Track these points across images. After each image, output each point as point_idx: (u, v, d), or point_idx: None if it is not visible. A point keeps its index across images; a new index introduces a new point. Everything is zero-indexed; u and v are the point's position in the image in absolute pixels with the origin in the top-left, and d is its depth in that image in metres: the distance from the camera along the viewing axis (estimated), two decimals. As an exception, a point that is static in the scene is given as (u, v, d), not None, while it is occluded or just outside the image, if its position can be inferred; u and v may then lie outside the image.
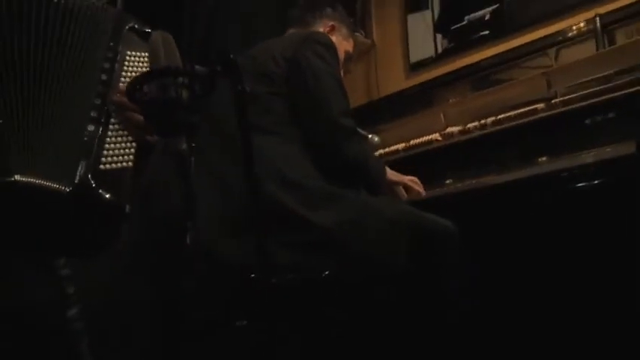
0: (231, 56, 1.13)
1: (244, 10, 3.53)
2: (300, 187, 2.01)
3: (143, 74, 1.18)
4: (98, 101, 1.50)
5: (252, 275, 1.64)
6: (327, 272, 1.89)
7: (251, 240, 1.36)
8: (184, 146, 1.17)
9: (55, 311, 1.72)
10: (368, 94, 4.18)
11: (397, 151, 3.07)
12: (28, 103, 1.43)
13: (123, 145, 1.50)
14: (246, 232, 1.65)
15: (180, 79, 1.14)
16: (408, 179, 2.52)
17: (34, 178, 1.37)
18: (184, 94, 1.14)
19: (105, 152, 1.46)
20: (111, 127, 1.49)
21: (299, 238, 1.95)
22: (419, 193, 2.51)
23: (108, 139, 1.48)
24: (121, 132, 1.51)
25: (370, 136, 2.82)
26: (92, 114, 1.49)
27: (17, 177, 1.35)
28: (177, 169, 1.18)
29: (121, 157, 1.48)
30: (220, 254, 1.96)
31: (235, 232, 1.91)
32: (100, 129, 1.48)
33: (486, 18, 3.63)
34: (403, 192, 2.49)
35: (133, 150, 1.50)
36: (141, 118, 1.43)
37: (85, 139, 1.45)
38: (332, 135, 2.15)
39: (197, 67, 1.16)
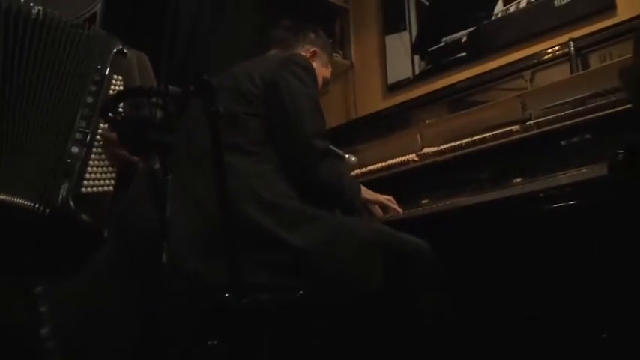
0: (205, 77, 1.13)
1: (224, 31, 3.54)
2: (275, 208, 2.02)
3: (117, 93, 1.19)
4: (83, 124, 1.51)
5: (226, 295, 1.64)
6: (300, 292, 1.89)
7: (225, 260, 1.35)
8: (157, 166, 1.17)
9: (27, 330, 1.71)
10: (346, 114, 4.20)
11: (374, 170, 3.08)
12: (8, 121, 1.43)
13: (105, 169, 1.50)
14: (219, 252, 1.65)
15: (154, 99, 1.15)
16: (383, 198, 2.53)
17: (10, 196, 1.37)
18: (158, 113, 1.15)
19: (87, 175, 1.46)
20: (94, 150, 1.50)
21: (273, 258, 1.95)
22: (395, 211, 2.53)
23: (91, 162, 1.49)
24: (103, 156, 1.52)
25: (347, 156, 2.83)
26: (77, 136, 1.49)
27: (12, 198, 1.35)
28: (151, 188, 1.18)
29: (102, 182, 1.49)
30: (194, 273, 1.96)
31: (209, 251, 1.90)
32: (84, 152, 1.48)
33: (463, 40, 3.68)
34: (379, 211, 2.50)
35: (114, 175, 1.50)
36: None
37: (69, 161, 1.46)
38: (306, 156, 2.15)
39: (171, 87, 1.17)
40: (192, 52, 3.39)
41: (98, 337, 2.05)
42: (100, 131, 1.51)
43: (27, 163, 1.43)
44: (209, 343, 1.60)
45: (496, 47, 3.46)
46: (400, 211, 2.55)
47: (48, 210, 1.38)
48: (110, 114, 1.16)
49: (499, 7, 3.52)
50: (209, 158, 1.39)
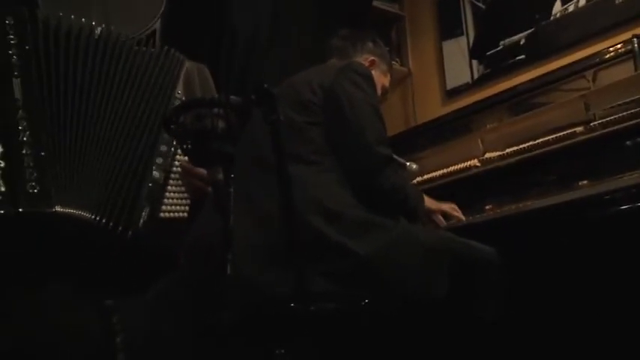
0: (266, 86, 1.14)
1: (282, 41, 3.57)
2: (339, 216, 2.01)
3: (178, 105, 1.21)
4: (164, 148, 1.54)
5: (292, 304, 1.64)
6: (365, 301, 1.87)
7: (289, 269, 1.36)
8: (221, 176, 1.18)
9: (99, 339, 1.74)
10: (405, 121, 4.19)
11: (436, 177, 3.06)
12: (90, 141, 1.47)
13: (181, 195, 1.54)
14: (284, 261, 1.65)
15: (216, 110, 1.16)
16: (446, 206, 2.51)
17: (93, 214, 1.41)
18: (220, 124, 1.16)
19: (165, 200, 1.50)
20: (172, 175, 1.53)
21: (337, 267, 1.94)
22: (458, 219, 2.50)
23: (169, 187, 1.52)
24: (180, 182, 1.55)
25: (408, 163, 2.81)
26: (158, 160, 1.52)
27: (85, 214, 1.39)
28: (215, 198, 1.19)
29: (178, 207, 1.52)
30: (259, 283, 1.96)
31: (274, 261, 1.91)
32: (164, 177, 1.52)
33: (522, 42, 3.64)
34: (442, 219, 2.48)
35: (188, 202, 1.54)
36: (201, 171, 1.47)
37: (150, 185, 1.49)
38: (368, 163, 2.14)
39: (232, 97, 1.18)
40: (251, 63, 3.42)
41: (164, 348, 2.08)
42: (177, 162, 1.55)
43: (111, 185, 1.47)
44: (276, 352, 1.61)
45: (556, 48, 3.41)
46: (463, 218, 2.52)
47: (130, 232, 1.42)
48: (172, 126, 1.18)
49: (557, 7, 3.47)
50: (272, 168, 1.40)
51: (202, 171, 1.44)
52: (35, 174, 1.36)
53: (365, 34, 2.76)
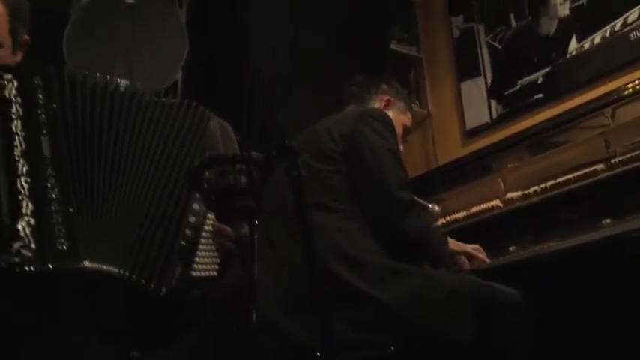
0: (287, 142, 1.17)
1: (301, 90, 3.62)
2: (362, 264, 2.02)
3: (202, 163, 1.24)
4: (197, 207, 1.57)
5: (317, 354, 1.65)
6: (391, 348, 1.88)
7: (314, 317, 1.37)
8: (245, 231, 1.20)
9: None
10: (426, 163, 4.20)
11: (458, 219, 3.07)
12: (124, 196, 1.51)
13: (211, 253, 1.56)
14: (309, 310, 1.66)
15: (238, 166, 1.19)
16: (470, 247, 2.50)
17: (127, 271, 1.43)
18: (243, 179, 1.18)
19: (197, 259, 1.52)
20: (203, 234, 1.56)
21: (360, 315, 1.95)
22: (482, 261, 2.49)
23: (201, 246, 1.55)
24: (210, 241, 1.57)
25: (430, 205, 2.82)
26: (190, 219, 1.55)
27: (114, 269, 1.41)
28: (239, 253, 1.21)
29: (208, 266, 1.54)
30: (284, 332, 1.97)
31: (298, 309, 1.92)
32: (196, 235, 1.54)
33: (539, 81, 3.65)
34: (466, 261, 2.48)
35: (218, 261, 1.56)
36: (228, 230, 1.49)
37: (183, 243, 1.52)
38: (390, 209, 2.15)
39: (254, 153, 1.21)
40: (270, 108, 3.47)
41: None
42: (209, 221, 1.57)
43: (142, 242, 1.49)
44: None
45: (574, 86, 3.42)
46: (487, 260, 2.51)
47: (163, 289, 1.44)
48: (197, 182, 1.21)
49: (573, 45, 3.50)
50: (295, 219, 1.42)
51: (233, 232, 1.46)
52: (64, 230, 1.38)
53: (379, 78, 2.80)
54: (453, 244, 2.45)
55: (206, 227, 1.57)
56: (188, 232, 1.53)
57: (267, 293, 1.87)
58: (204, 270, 1.53)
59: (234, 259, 1.54)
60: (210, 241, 1.56)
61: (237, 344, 1.74)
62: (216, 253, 1.56)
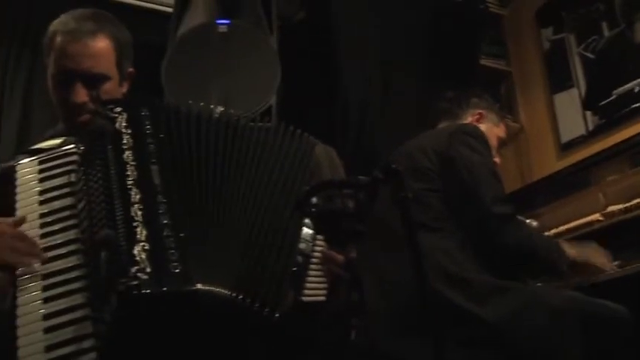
0: (393, 165, 1.19)
1: (393, 105, 3.64)
2: (463, 282, 2.02)
3: (310, 188, 1.26)
4: (306, 233, 1.61)
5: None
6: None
7: (419, 337, 1.38)
8: (354, 254, 1.23)
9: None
10: (521, 178, 4.14)
11: (558, 234, 3.01)
12: (229, 222, 1.56)
13: (320, 279, 1.59)
14: (413, 330, 1.67)
15: (345, 190, 1.21)
16: (592, 254, 2.41)
17: (243, 295, 1.47)
18: (350, 203, 1.21)
19: (307, 285, 1.55)
20: (313, 260, 1.59)
21: (465, 334, 1.95)
22: (603, 270, 2.41)
23: (310, 272, 1.58)
24: (319, 267, 1.61)
25: (528, 221, 2.78)
26: (302, 246, 1.59)
27: (225, 291, 1.46)
28: (349, 276, 1.23)
29: (317, 292, 1.57)
30: (389, 352, 1.98)
31: (403, 330, 1.93)
32: (306, 261, 1.58)
33: (636, 90, 3.56)
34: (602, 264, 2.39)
35: (326, 286, 1.59)
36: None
37: (295, 269, 1.55)
38: (489, 224, 2.13)
39: (360, 177, 1.23)
40: (364, 129, 3.50)
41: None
42: (318, 247, 1.61)
43: (253, 266, 1.53)
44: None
45: (673, 93, 3.33)
46: (612, 266, 2.44)
47: (277, 314, 1.47)
48: (305, 207, 1.24)
49: (669, 52, 3.40)
50: (397, 239, 1.44)
51: (342, 258, 1.49)
52: (177, 254, 1.43)
53: (468, 93, 2.79)
54: (572, 251, 2.31)
55: (315, 253, 1.60)
56: (299, 258, 1.56)
57: (373, 315, 1.88)
58: (313, 295, 1.56)
59: (340, 284, 1.56)
60: (319, 267, 1.59)
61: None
62: (324, 279, 1.58)
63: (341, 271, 1.51)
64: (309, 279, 1.56)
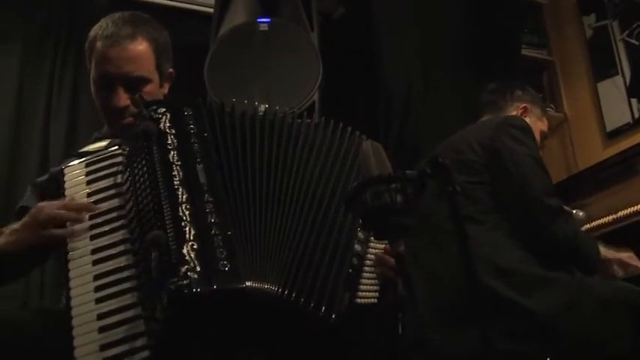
0: (440, 160, 1.18)
1: (435, 96, 3.62)
2: (512, 274, 2.01)
3: (360, 183, 1.26)
4: (362, 235, 1.61)
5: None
6: (547, 359, 1.85)
7: (469, 329, 1.37)
8: (402, 248, 1.22)
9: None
10: (567, 168, 4.09)
11: (605, 224, 2.97)
12: (278, 220, 1.56)
13: (373, 281, 1.59)
14: (462, 321, 1.66)
15: (393, 185, 1.21)
16: (624, 255, 2.40)
17: (300, 297, 1.47)
18: (398, 198, 1.20)
19: (361, 287, 1.55)
20: (367, 262, 1.59)
21: (513, 325, 1.94)
22: (637, 268, 2.39)
23: (365, 273, 1.58)
24: (372, 269, 1.61)
25: (575, 211, 2.75)
26: (356, 247, 1.59)
27: (274, 288, 1.46)
28: (399, 270, 1.23)
29: (370, 294, 1.57)
30: (436, 345, 1.98)
31: (451, 322, 1.93)
32: (361, 263, 1.58)
33: (682, 76, 3.49)
34: (618, 270, 2.39)
35: (378, 288, 1.58)
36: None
37: (350, 271, 1.55)
38: (538, 217, 2.13)
39: (407, 172, 1.23)
40: (407, 122, 3.49)
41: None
42: (372, 249, 1.61)
43: (306, 266, 1.52)
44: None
45: None
46: None
47: (333, 315, 1.47)
48: (354, 204, 1.24)
49: None
50: (444, 233, 1.44)
51: (394, 261, 1.48)
52: (225, 252, 1.43)
53: (512, 85, 2.76)
54: (606, 251, 2.37)
55: (369, 255, 1.59)
56: (354, 259, 1.56)
57: (419, 309, 1.87)
58: (366, 297, 1.55)
59: (391, 286, 1.56)
60: (372, 269, 1.59)
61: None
62: (377, 281, 1.58)
63: (393, 273, 1.51)
64: (363, 281, 1.55)
